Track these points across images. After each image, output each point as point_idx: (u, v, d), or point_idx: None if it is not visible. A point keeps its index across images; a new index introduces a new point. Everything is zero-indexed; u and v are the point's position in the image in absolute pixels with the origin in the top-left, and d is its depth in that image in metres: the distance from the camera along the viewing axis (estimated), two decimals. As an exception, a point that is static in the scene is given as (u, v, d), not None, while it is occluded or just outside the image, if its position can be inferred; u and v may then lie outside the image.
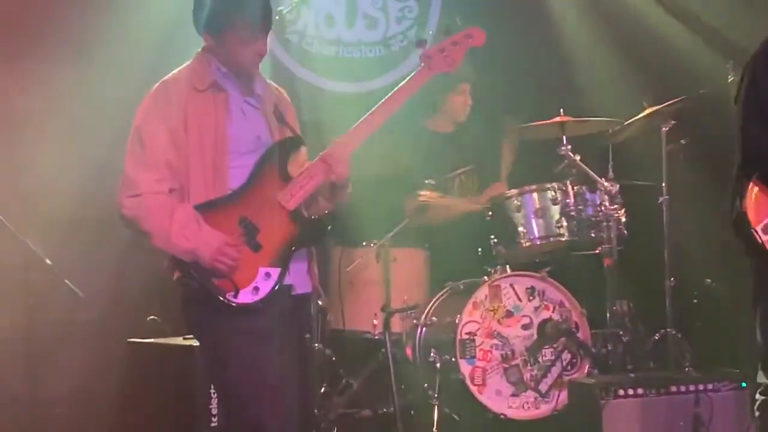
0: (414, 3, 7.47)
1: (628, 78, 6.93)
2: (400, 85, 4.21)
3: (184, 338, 5.34)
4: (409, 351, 6.15)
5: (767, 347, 4.38)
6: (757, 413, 4.46)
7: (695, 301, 6.54)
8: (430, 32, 7.29)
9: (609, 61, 7.04)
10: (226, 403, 4.16)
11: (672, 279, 6.22)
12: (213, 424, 5.22)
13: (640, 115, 6.23)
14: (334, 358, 6.07)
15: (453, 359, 5.77)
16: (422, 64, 4.24)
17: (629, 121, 6.23)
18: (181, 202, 3.99)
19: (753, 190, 4.23)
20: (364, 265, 6.16)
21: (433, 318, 6.05)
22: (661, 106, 6.17)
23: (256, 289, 3.97)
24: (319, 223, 4.17)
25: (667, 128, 6.27)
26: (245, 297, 3.96)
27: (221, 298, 3.93)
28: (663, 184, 6.27)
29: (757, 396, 4.45)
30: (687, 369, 5.87)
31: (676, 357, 6.15)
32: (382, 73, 7.31)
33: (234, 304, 3.94)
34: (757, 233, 4.20)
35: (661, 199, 6.27)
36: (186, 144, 4.00)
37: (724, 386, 5.29)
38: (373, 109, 4.18)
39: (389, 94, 4.19)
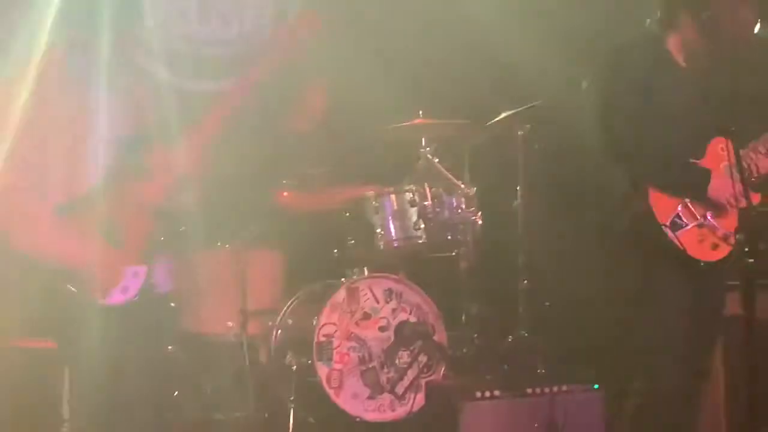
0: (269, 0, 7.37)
1: (486, 82, 6.99)
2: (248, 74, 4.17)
3: (34, 340, 5.15)
4: (264, 354, 6.07)
5: (649, 352, 4.47)
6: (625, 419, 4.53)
7: (548, 303, 6.63)
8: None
9: (467, 65, 7.09)
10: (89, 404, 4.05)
11: (525, 282, 6.30)
12: (63, 429, 5.06)
13: (497, 119, 6.29)
14: (187, 361, 5.94)
15: (310, 362, 5.72)
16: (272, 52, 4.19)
17: (486, 124, 6.29)
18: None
19: (652, 192, 4.36)
20: (219, 266, 6.04)
21: (289, 320, 5.99)
22: (516, 110, 6.24)
23: (125, 288, 3.92)
24: (180, 219, 4.12)
25: (523, 132, 6.34)
26: (115, 297, 3.88)
27: (90, 299, 3.83)
28: (518, 188, 6.35)
29: (627, 402, 4.52)
30: (540, 371, 5.96)
31: (530, 359, 6.22)
32: (237, 71, 7.19)
33: (104, 304, 3.85)
34: (667, 228, 4.32)
35: (515, 202, 6.34)
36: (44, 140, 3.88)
37: (577, 388, 5.39)
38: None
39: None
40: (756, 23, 4.36)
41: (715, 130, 4.48)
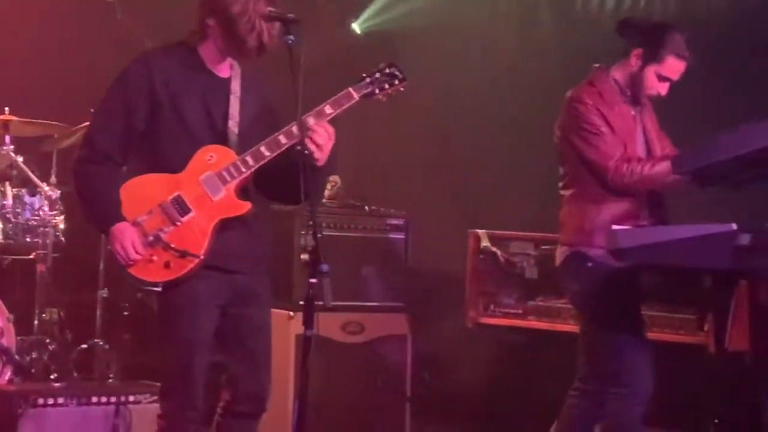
0: None
1: (78, 84, 6.87)
2: None
3: None
4: None
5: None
6: None
7: (126, 313, 6.60)
8: None
9: (56, 65, 6.95)
10: None
11: (105, 290, 6.24)
12: None
13: (88, 123, 6.19)
14: None
15: None
16: None
17: (76, 127, 6.18)
18: None
19: None
20: None
21: None
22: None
23: None
24: None
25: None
26: None
27: None
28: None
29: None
30: (110, 380, 5.93)
31: (102, 368, 6.16)
32: None
33: None
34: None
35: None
36: None
37: (145, 398, 5.41)
38: None
39: None
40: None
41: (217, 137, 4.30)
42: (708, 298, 4.96)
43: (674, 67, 4.92)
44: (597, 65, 5.07)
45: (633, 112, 5.05)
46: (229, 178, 4.23)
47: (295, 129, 4.18)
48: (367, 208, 6.57)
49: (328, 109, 4.27)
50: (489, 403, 6.71)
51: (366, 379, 6.35)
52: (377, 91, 4.39)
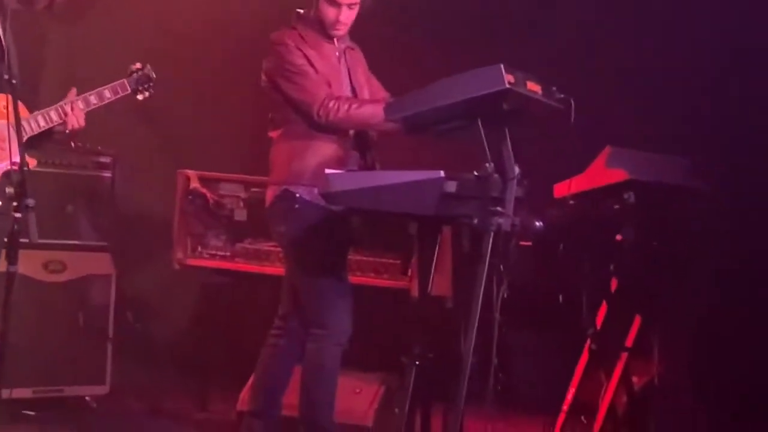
0: None
1: None
2: None
3: None
4: None
5: None
6: None
7: None
8: None
9: None
10: None
11: None
12: None
13: None
14: None
15: None
16: None
17: None
18: None
19: None
20: None
21: None
22: None
23: None
24: None
25: None
26: None
27: None
28: None
29: None
30: None
31: None
32: None
33: None
34: None
35: None
36: None
37: None
38: None
39: None
40: None
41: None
42: (413, 243, 5.12)
43: None
44: (299, 10, 5.10)
45: (337, 53, 5.11)
46: (23, 132, 4.23)
47: (80, 103, 4.67)
48: (72, 144, 6.35)
49: (107, 93, 4.76)
50: (194, 345, 6.70)
51: (67, 319, 6.17)
52: (140, 88, 4.89)
